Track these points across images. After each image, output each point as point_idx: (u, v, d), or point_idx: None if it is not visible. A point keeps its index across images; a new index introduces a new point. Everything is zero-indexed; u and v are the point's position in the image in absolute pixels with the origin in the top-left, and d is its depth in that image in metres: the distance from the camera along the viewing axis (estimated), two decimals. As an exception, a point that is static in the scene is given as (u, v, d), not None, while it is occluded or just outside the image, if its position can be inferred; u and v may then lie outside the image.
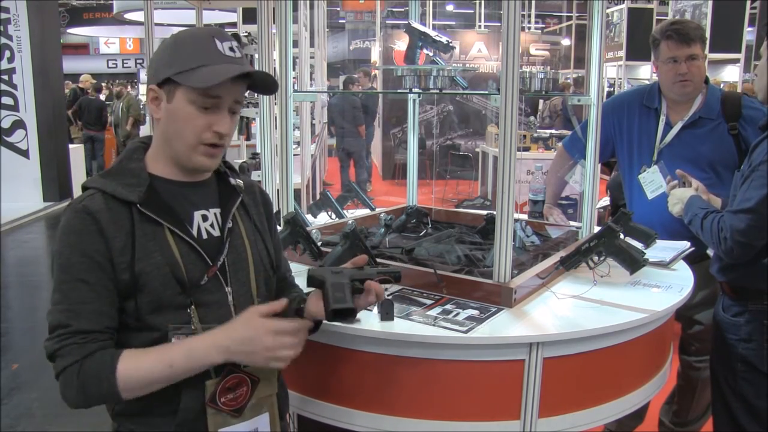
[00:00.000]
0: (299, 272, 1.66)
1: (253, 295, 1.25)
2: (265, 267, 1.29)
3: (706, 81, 2.28)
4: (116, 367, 1.07)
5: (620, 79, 10.34)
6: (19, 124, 8.19)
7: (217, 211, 1.23)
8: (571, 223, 2.35)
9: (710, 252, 2.07)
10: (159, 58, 1.16)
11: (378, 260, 1.63)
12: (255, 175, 3.62)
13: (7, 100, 8.13)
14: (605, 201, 4.66)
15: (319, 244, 1.82)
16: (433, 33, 2.09)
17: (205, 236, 1.19)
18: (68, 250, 1.09)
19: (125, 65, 21.45)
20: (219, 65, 1.12)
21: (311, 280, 1.22)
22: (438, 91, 1.88)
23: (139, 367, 1.08)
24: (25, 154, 8.23)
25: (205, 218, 1.21)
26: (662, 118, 2.29)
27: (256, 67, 3.51)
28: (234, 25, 7.74)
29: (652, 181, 2.22)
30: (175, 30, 1.23)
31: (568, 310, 1.54)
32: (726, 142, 2.19)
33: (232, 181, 1.28)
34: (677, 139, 2.25)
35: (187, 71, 1.11)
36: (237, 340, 1.09)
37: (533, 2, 12.45)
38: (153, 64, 1.16)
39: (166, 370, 1.08)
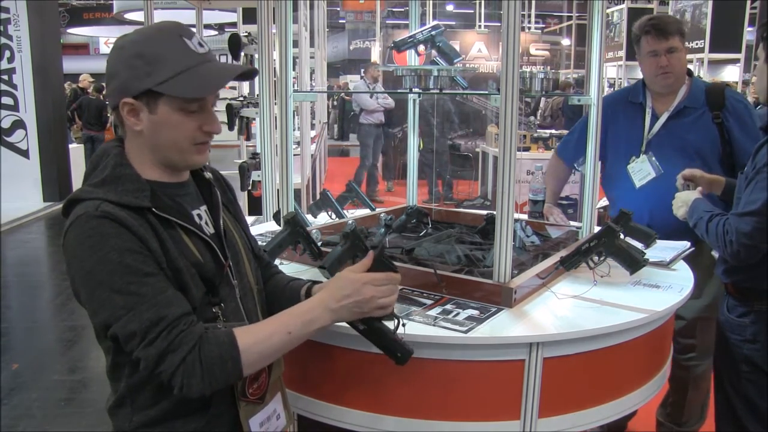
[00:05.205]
0: (299, 272, 1.66)
1: (252, 286, 1.26)
2: (252, 256, 1.31)
3: (690, 74, 2.35)
4: (236, 343, 1.05)
5: (620, 79, 10.34)
6: (19, 124, 8.20)
7: (205, 207, 1.23)
8: (571, 223, 2.35)
9: (714, 254, 2.08)
10: (124, 69, 1.09)
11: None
12: (255, 175, 3.62)
13: (7, 100, 8.14)
14: (605, 201, 4.66)
15: (319, 244, 1.82)
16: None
17: (207, 234, 1.19)
18: (115, 254, 1.02)
19: (125, 65, 21.41)
20: (201, 66, 1.11)
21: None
22: (438, 91, 1.88)
23: (257, 340, 1.08)
24: (25, 154, 8.24)
25: (200, 217, 1.21)
26: (648, 111, 2.35)
27: (256, 66, 3.51)
28: (234, 25, 7.74)
29: (641, 170, 2.29)
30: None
31: (568, 310, 1.54)
32: (711, 131, 2.25)
33: (206, 175, 1.28)
34: (664, 130, 2.31)
35: (170, 80, 1.07)
36: (342, 299, 1.14)
37: (533, 2, 12.45)
38: (118, 75, 1.09)
39: (285, 337, 1.11)
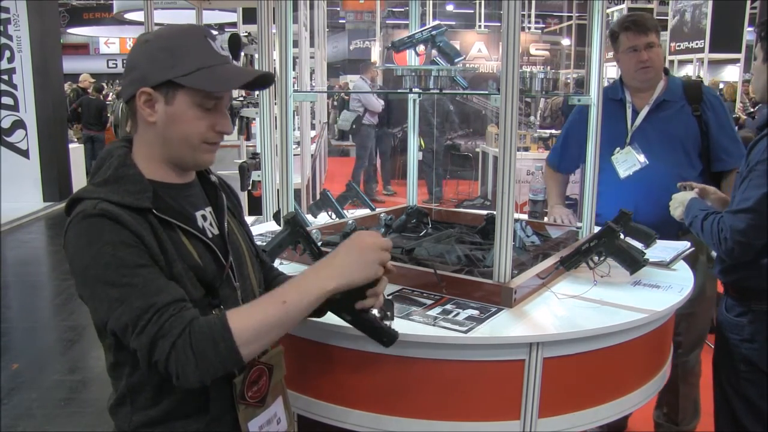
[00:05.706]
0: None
1: (254, 288, 1.26)
2: (255, 258, 1.32)
3: (666, 72, 2.42)
4: (228, 324, 1.01)
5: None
6: (19, 124, 8.20)
7: (210, 209, 1.23)
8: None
9: (713, 253, 2.09)
10: (147, 61, 1.11)
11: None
12: (255, 175, 3.61)
13: (7, 100, 8.14)
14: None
15: (319, 244, 1.82)
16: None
17: (210, 236, 1.19)
18: (109, 248, 1.02)
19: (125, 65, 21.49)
20: (222, 66, 1.13)
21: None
22: (438, 91, 1.88)
23: (250, 316, 1.03)
24: (25, 154, 8.24)
25: (204, 218, 1.21)
26: (629, 106, 2.40)
27: (256, 67, 3.51)
28: (234, 25, 7.74)
29: (626, 160, 2.34)
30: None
31: (568, 310, 1.54)
32: (692, 123, 2.30)
33: (212, 177, 1.28)
34: (646, 123, 2.35)
35: (191, 74, 1.09)
36: (336, 256, 1.13)
37: (533, 2, 12.45)
38: (140, 66, 1.11)
39: (280, 308, 1.04)
